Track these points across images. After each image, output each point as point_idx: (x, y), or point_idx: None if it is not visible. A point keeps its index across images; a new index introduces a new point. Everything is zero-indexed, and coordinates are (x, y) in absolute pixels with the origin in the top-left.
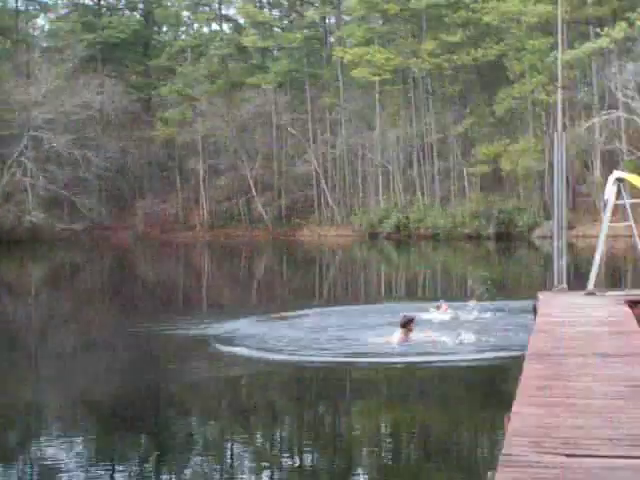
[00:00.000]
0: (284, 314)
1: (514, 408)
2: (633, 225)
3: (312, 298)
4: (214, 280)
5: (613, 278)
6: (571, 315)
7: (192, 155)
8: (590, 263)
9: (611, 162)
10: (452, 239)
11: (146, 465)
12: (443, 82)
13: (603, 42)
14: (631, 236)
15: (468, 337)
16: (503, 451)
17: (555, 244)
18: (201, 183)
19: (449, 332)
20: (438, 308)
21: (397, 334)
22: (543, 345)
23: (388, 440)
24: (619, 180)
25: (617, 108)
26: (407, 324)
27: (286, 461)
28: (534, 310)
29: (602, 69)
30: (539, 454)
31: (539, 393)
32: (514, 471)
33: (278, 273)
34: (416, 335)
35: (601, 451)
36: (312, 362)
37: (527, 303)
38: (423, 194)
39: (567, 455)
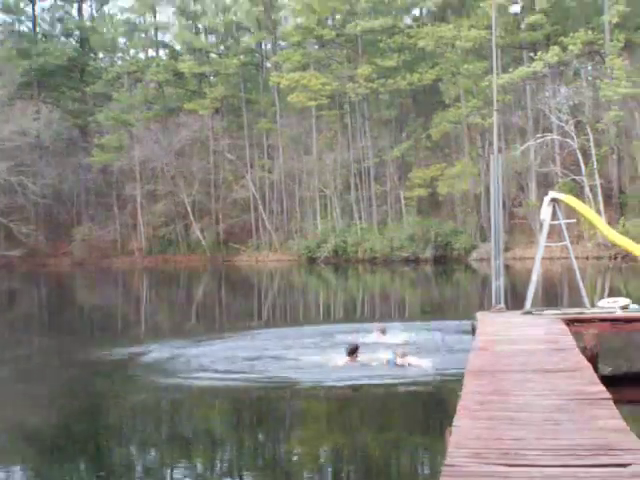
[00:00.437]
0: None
1: (455, 422)
2: (569, 245)
3: (250, 321)
4: (151, 306)
5: (549, 298)
6: (509, 333)
7: (129, 181)
8: (526, 285)
9: (546, 184)
10: (390, 263)
11: None
12: (379, 106)
13: (537, 66)
14: (566, 258)
15: (411, 358)
16: (446, 462)
17: (493, 264)
18: (139, 209)
19: (391, 353)
20: (382, 332)
21: (343, 360)
22: (482, 362)
23: (331, 461)
24: (554, 201)
25: (551, 131)
26: (353, 352)
27: None
28: (472, 329)
29: (536, 93)
30: (481, 464)
31: (479, 407)
32: None
33: (216, 298)
34: (361, 358)
35: (541, 461)
36: (252, 383)
37: (465, 323)
38: (360, 218)
39: (508, 465)
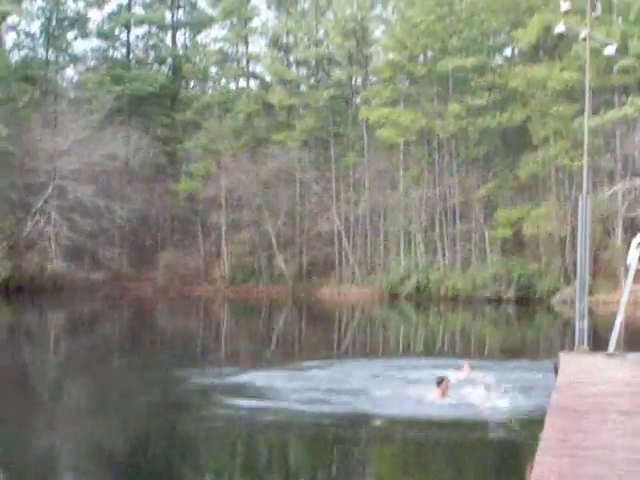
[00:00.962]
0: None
1: (537, 457)
2: None
3: (331, 352)
4: (232, 335)
5: (632, 343)
6: (592, 374)
7: (215, 209)
8: (608, 328)
9: (633, 229)
10: (472, 302)
11: None
12: (467, 145)
13: (628, 110)
14: None
15: (502, 398)
16: None
17: (577, 305)
18: (223, 237)
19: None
20: (471, 367)
21: (434, 393)
22: (565, 401)
23: None
24: None
25: None
26: (441, 383)
27: None
28: (555, 369)
29: (626, 136)
30: None
31: (561, 445)
32: None
33: (297, 328)
34: (454, 393)
35: None
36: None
37: (548, 363)
38: (444, 256)
39: None
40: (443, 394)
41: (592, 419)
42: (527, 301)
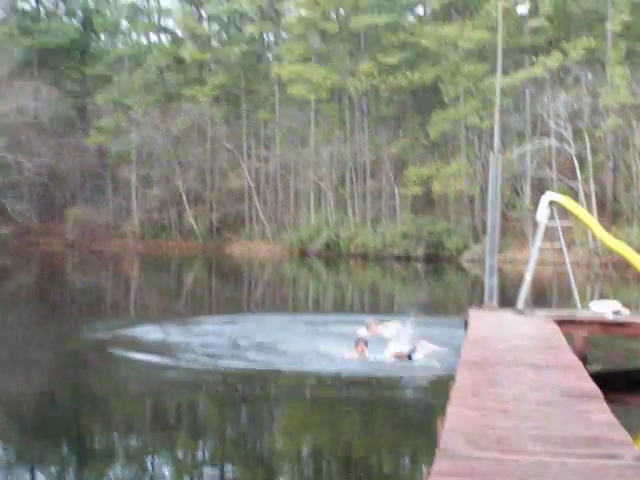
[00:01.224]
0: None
1: (449, 409)
2: (563, 247)
3: (240, 307)
4: (141, 288)
5: (539, 300)
6: (501, 330)
7: (125, 164)
8: (516, 287)
9: (541, 189)
10: (381, 259)
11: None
12: (378, 103)
13: (538, 70)
14: (557, 263)
15: (423, 356)
16: (440, 446)
17: (487, 262)
18: (133, 192)
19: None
20: (374, 326)
21: (352, 352)
22: (474, 355)
23: (331, 437)
24: (552, 202)
25: (549, 136)
26: (360, 344)
27: (206, 473)
28: (465, 325)
29: (536, 97)
30: (474, 450)
31: (472, 397)
32: (450, 464)
33: (207, 284)
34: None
35: (532, 450)
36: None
37: (457, 320)
38: (354, 213)
39: (500, 452)
40: (360, 354)
41: (502, 373)
42: (436, 259)
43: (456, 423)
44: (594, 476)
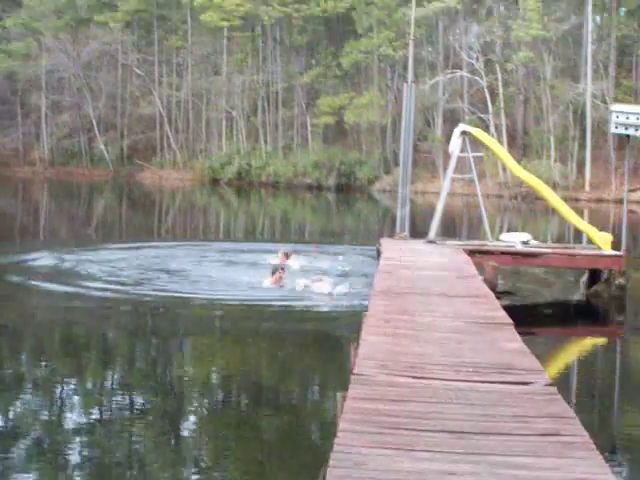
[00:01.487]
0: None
1: (362, 336)
2: (475, 177)
3: (150, 235)
4: (50, 215)
5: (449, 231)
6: (413, 259)
7: (35, 90)
8: (427, 218)
9: (452, 121)
10: (293, 188)
11: None
12: (291, 32)
13: (451, 2)
14: (467, 195)
15: (340, 287)
16: (354, 371)
17: (400, 192)
18: (43, 119)
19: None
20: (286, 255)
21: (269, 279)
22: (387, 284)
23: (245, 372)
24: (465, 133)
25: (461, 68)
26: (277, 271)
27: (115, 400)
28: (377, 254)
29: (448, 29)
30: (388, 375)
31: (385, 324)
32: (365, 388)
33: (117, 211)
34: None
35: (445, 376)
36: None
37: (369, 249)
38: (266, 142)
39: (413, 377)
40: (276, 282)
41: (414, 301)
42: (347, 189)
43: (369, 350)
44: (506, 400)
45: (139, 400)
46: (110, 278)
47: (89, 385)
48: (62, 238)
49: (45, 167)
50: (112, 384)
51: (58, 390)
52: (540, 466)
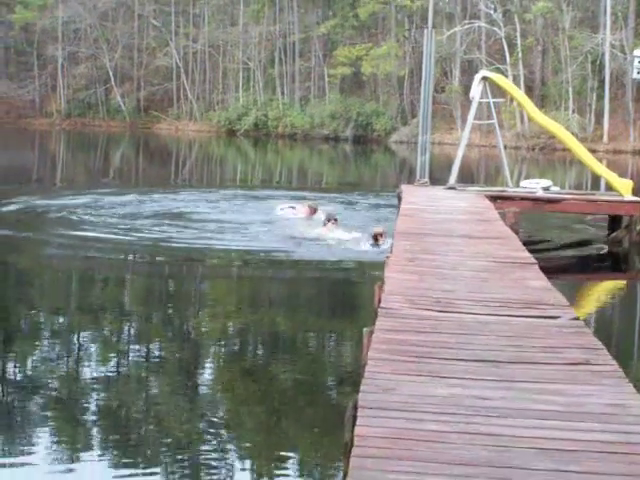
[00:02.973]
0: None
1: (387, 274)
2: (496, 123)
3: (168, 182)
4: (67, 165)
5: (467, 181)
6: (434, 204)
7: (51, 41)
8: (444, 169)
9: (470, 72)
10: (310, 139)
11: None
12: None
13: None
14: (485, 146)
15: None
16: (381, 305)
17: (420, 139)
18: (59, 70)
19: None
20: (313, 210)
21: (319, 230)
22: (410, 226)
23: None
24: (485, 79)
25: (479, 18)
26: (329, 221)
27: (133, 351)
28: (398, 199)
29: None
30: (415, 309)
31: (410, 263)
32: (392, 321)
33: (135, 162)
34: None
35: (472, 310)
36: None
37: (391, 196)
38: (283, 93)
39: (441, 311)
40: (329, 231)
41: (437, 242)
42: (364, 140)
43: (395, 286)
44: (534, 332)
45: (157, 349)
46: (133, 224)
47: (107, 334)
48: (80, 186)
49: (62, 119)
50: (129, 334)
51: (75, 339)
52: (572, 393)
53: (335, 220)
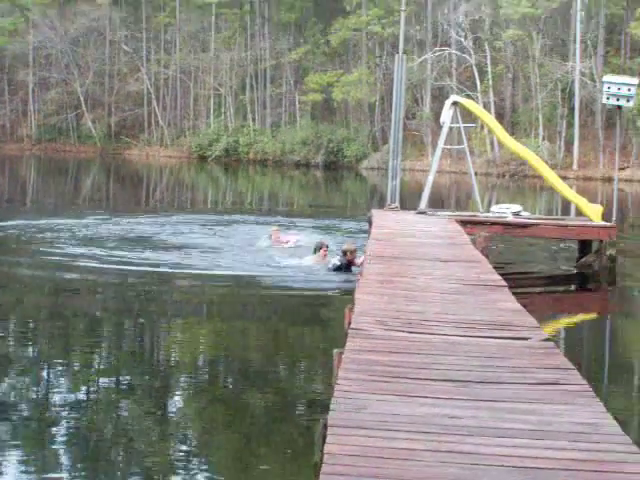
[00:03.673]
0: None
1: (357, 296)
2: (466, 148)
3: (141, 208)
4: (38, 189)
5: (437, 206)
6: (405, 228)
7: (22, 66)
8: (415, 195)
9: (441, 99)
10: (281, 165)
11: None
12: (280, 8)
13: None
14: (455, 172)
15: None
16: (351, 326)
17: (390, 163)
18: (30, 95)
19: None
20: (271, 236)
21: (310, 258)
22: (380, 250)
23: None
24: (455, 104)
25: (449, 46)
26: (320, 249)
27: (101, 378)
28: (369, 223)
29: (437, 6)
30: (385, 330)
31: (380, 285)
32: (363, 341)
33: (106, 187)
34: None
35: (443, 331)
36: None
37: (361, 221)
38: (254, 119)
39: (411, 332)
40: (322, 259)
41: (408, 265)
42: (335, 166)
43: (365, 307)
44: (504, 353)
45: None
46: (103, 251)
47: (76, 367)
48: (51, 211)
49: (32, 144)
50: (99, 364)
51: (45, 370)
52: (542, 412)
53: (327, 247)
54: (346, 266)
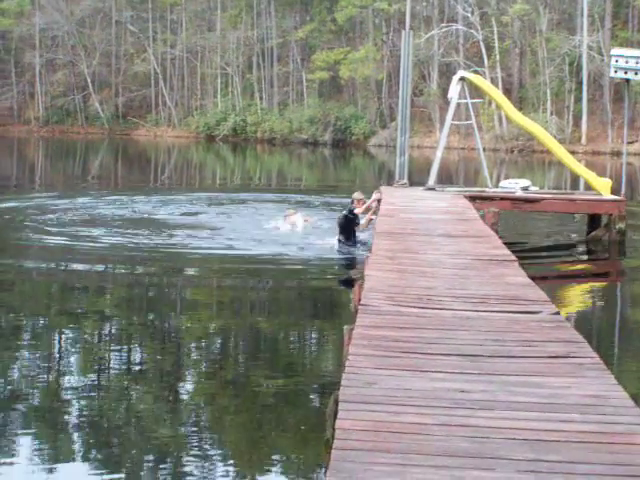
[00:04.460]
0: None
1: (367, 272)
2: (474, 123)
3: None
4: (47, 170)
5: (446, 182)
6: (414, 204)
7: (28, 49)
8: (423, 171)
9: (448, 75)
10: (288, 144)
11: None
12: None
13: None
14: (463, 149)
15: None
16: (361, 302)
17: (399, 140)
18: (37, 77)
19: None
20: (286, 217)
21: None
22: (389, 226)
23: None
24: (463, 79)
25: (456, 21)
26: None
27: (114, 358)
28: (378, 200)
29: None
30: (395, 305)
31: (390, 262)
32: (372, 317)
33: (114, 167)
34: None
35: (453, 306)
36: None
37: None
38: (261, 98)
39: (421, 307)
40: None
41: (417, 240)
42: (343, 144)
43: (375, 284)
44: (515, 327)
45: (137, 352)
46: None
47: (87, 337)
48: (62, 189)
49: (40, 126)
50: (110, 337)
51: (56, 341)
52: (552, 385)
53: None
54: (353, 215)
